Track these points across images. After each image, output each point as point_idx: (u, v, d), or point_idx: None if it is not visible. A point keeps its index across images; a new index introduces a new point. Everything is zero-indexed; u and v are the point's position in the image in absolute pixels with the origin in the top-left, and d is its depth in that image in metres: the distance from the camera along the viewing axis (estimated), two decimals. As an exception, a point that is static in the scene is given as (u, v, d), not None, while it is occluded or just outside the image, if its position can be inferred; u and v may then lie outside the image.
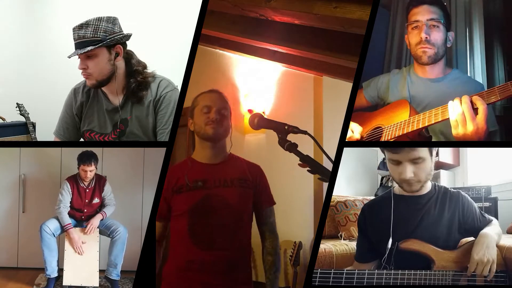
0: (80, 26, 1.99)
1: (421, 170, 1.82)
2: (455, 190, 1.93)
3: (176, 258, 1.79)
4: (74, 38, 2.00)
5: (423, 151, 1.81)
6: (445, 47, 1.98)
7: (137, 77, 2.07)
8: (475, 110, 1.68)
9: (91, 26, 1.99)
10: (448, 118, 1.74)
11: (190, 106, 1.87)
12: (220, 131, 1.79)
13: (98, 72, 2.03)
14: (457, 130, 1.70)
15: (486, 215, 1.94)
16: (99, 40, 1.99)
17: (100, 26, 2.00)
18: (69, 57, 2.03)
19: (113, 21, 2.05)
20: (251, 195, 1.83)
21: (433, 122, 1.80)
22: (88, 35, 1.98)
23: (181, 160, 1.92)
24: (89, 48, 1.97)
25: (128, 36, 2.09)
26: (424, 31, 1.94)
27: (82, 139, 2.23)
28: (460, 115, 1.69)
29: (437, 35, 1.95)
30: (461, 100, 1.70)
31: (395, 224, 1.87)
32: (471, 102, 1.69)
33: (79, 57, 2.01)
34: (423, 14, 1.95)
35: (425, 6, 1.96)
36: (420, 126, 1.83)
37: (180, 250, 1.78)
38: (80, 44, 1.99)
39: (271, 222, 1.87)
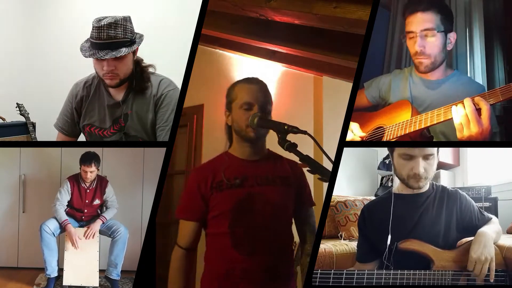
0: (109, 25, 1.95)
1: (431, 167, 1.87)
2: (453, 189, 1.95)
3: (214, 266, 1.65)
4: (100, 37, 1.95)
5: (434, 148, 1.85)
6: (444, 52, 1.95)
7: (141, 67, 2.10)
8: (478, 111, 1.68)
9: (120, 26, 1.97)
10: (450, 119, 1.74)
11: (226, 96, 1.71)
12: (262, 132, 1.66)
13: (125, 72, 2.04)
14: (462, 133, 1.70)
15: (485, 213, 1.95)
16: (128, 40, 1.98)
17: (127, 27, 1.99)
18: (95, 57, 1.97)
19: (131, 20, 2.05)
20: (293, 194, 1.72)
21: (435, 122, 1.80)
22: (120, 35, 1.96)
23: (217, 155, 1.75)
24: (126, 50, 1.95)
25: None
26: (418, 43, 1.91)
27: (82, 134, 2.26)
28: (463, 117, 1.68)
29: (433, 45, 1.91)
30: (463, 104, 1.70)
31: (394, 223, 1.88)
32: (474, 103, 1.69)
33: (103, 58, 1.97)
34: (416, 24, 1.91)
35: (418, 14, 1.91)
36: (422, 126, 1.84)
37: (219, 256, 1.65)
38: (111, 44, 1.95)
39: (311, 222, 1.80)
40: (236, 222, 1.61)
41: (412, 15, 1.94)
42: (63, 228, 2.45)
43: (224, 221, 1.62)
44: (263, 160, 1.71)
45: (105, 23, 1.95)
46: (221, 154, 1.73)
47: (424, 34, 1.91)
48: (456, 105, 1.72)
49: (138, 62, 2.12)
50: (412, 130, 1.86)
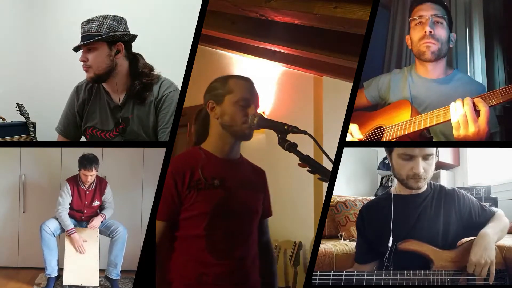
0: (87, 21, 2.08)
1: (430, 167, 1.86)
2: (450, 188, 1.94)
3: (185, 270, 1.57)
4: (80, 32, 2.08)
5: (433, 149, 1.85)
6: (448, 46, 1.98)
7: (142, 79, 2.11)
8: (476, 112, 1.68)
9: (96, 22, 2.07)
10: (450, 120, 1.74)
11: (213, 88, 1.63)
12: (252, 132, 1.61)
13: (97, 65, 2.08)
14: (459, 132, 1.70)
15: (488, 208, 1.93)
16: (101, 35, 2.05)
17: (104, 23, 2.07)
18: (74, 50, 2.10)
19: (119, 20, 2.11)
20: (262, 201, 1.71)
21: (434, 123, 1.80)
22: (92, 29, 2.06)
23: (189, 148, 1.67)
24: (88, 41, 2.04)
25: (132, 36, 2.14)
26: (429, 25, 1.92)
27: (83, 136, 2.26)
28: (462, 116, 1.68)
29: (441, 31, 1.94)
30: (463, 102, 1.70)
31: (393, 223, 1.88)
32: (473, 104, 1.69)
33: (82, 50, 2.08)
34: (427, 10, 1.95)
35: (429, 4, 1.96)
36: (422, 127, 1.83)
37: (191, 260, 1.57)
38: (84, 37, 2.07)
39: (267, 232, 1.77)
40: (213, 224, 1.56)
41: (422, 4, 1.97)
42: (68, 236, 2.45)
43: (199, 223, 1.55)
44: (239, 163, 1.68)
45: (84, 20, 2.08)
46: (195, 149, 1.64)
47: (434, 19, 1.93)
48: (455, 102, 1.72)
49: (143, 73, 2.12)
50: (411, 131, 1.86)
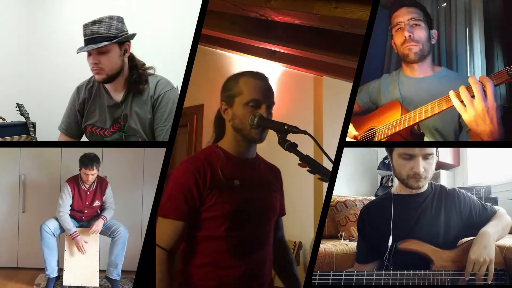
0: (93, 23, 2.04)
1: (430, 166, 1.87)
2: (451, 188, 1.95)
3: (205, 273, 1.54)
4: (85, 34, 2.04)
5: (433, 148, 1.87)
6: (430, 44, 2.02)
7: (138, 70, 2.14)
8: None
9: (104, 23, 2.05)
10: (437, 113, 1.76)
11: (225, 89, 1.60)
12: (264, 135, 1.57)
13: (110, 67, 2.08)
14: (467, 113, 1.67)
15: (489, 207, 1.93)
16: (112, 36, 2.05)
17: (112, 24, 2.07)
18: (80, 52, 2.05)
19: (122, 20, 2.12)
20: (278, 201, 1.69)
21: (423, 118, 1.81)
22: (102, 31, 2.04)
23: (206, 147, 1.63)
24: (104, 43, 2.02)
25: (133, 36, 2.16)
26: (407, 29, 1.98)
27: (84, 134, 2.28)
28: (465, 97, 1.66)
29: (420, 32, 1.99)
30: (467, 84, 1.67)
31: (393, 223, 1.88)
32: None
33: (90, 53, 2.05)
34: (403, 15, 2.01)
35: (404, 9, 2.02)
36: (411, 123, 1.84)
37: (212, 262, 1.54)
38: (93, 39, 2.03)
39: (282, 230, 1.77)
40: (234, 226, 1.53)
41: (398, 10, 2.03)
42: (71, 239, 2.45)
43: (220, 224, 1.52)
44: (256, 162, 1.65)
45: (90, 21, 2.05)
46: (212, 147, 1.61)
47: (411, 23, 1.99)
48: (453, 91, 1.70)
49: (136, 66, 2.15)
50: (401, 128, 1.87)
